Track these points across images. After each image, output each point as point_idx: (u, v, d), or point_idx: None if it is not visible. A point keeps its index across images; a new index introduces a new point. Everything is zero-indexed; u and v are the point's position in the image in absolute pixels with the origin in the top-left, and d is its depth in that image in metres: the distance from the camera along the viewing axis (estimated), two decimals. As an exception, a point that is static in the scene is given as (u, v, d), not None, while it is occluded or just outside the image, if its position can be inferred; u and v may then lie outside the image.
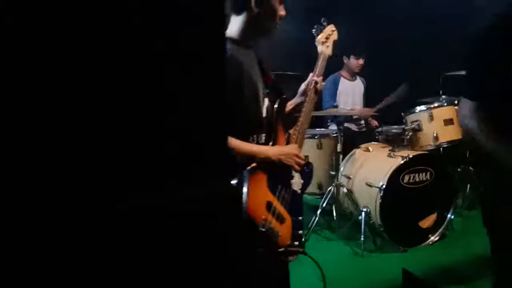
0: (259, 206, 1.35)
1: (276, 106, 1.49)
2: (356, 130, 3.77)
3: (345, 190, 3.00)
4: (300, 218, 1.51)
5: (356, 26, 4.07)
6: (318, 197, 3.28)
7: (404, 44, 4.16)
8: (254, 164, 1.36)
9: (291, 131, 1.59)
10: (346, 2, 4.12)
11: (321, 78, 1.70)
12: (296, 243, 1.48)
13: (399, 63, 4.01)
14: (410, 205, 2.78)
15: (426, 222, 2.83)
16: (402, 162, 2.73)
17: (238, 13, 1.41)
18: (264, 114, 1.47)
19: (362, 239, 2.76)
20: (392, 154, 2.87)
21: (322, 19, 1.90)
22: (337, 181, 3.03)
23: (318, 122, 3.74)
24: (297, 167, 1.47)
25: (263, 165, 1.39)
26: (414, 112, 2.99)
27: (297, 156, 1.47)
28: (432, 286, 2.07)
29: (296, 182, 1.52)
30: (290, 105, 1.70)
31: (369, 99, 3.87)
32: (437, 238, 2.84)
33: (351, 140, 3.43)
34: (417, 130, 2.94)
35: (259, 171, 1.38)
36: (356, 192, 2.96)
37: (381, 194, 2.69)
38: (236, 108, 1.33)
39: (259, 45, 1.66)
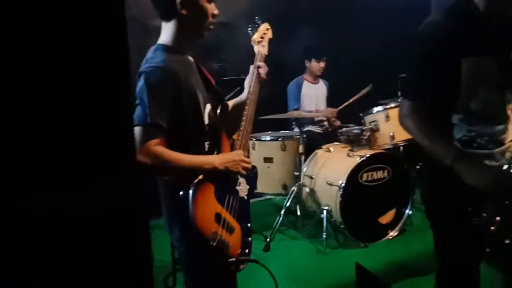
0: (208, 220, 1.34)
1: (218, 111, 1.47)
2: (320, 131, 3.87)
3: (307, 190, 3.09)
4: (249, 225, 1.51)
5: (317, 30, 4.20)
6: (284, 197, 3.36)
7: (366, 46, 4.29)
8: (200, 177, 1.34)
9: (235, 136, 1.57)
10: (307, 7, 4.22)
11: (263, 64, 1.69)
12: (246, 250, 1.47)
13: (361, 65, 4.14)
14: (369, 202, 2.89)
15: (385, 218, 2.94)
16: (360, 161, 2.83)
17: (167, 19, 1.39)
18: (207, 121, 1.44)
19: (324, 236, 2.84)
20: (351, 153, 2.98)
21: (256, 18, 1.89)
22: (300, 181, 3.11)
23: (283, 124, 3.82)
24: (244, 172, 1.46)
25: (210, 176, 1.37)
26: (371, 113, 3.10)
27: (243, 161, 1.45)
28: (385, 280, 2.15)
29: (243, 188, 1.52)
30: (232, 104, 1.68)
31: (332, 101, 3.98)
32: (396, 233, 2.95)
33: (315, 141, 3.53)
34: (375, 130, 3.06)
35: (206, 183, 1.36)
36: (318, 191, 3.05)
37: (341, 193, 2.79)
38: (175, 118, 1.31)
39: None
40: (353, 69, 4.11)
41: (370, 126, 3.06)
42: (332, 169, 3.00)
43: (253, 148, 3.34)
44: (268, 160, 3.26)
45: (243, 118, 1.59)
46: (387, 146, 3.03)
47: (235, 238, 1.43)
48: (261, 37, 1.79)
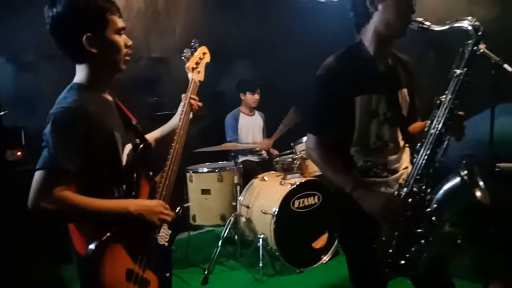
0: (119, 279, 1.28)
1: (138, 152, 1.42)
2: (258, 160, 3.99)
3: (244, 219, 3.16)
4: (168, 274, 1.47)
5: (251, 63, 4.39)
6: (223, 228, 3.41)
7: (298, 78, 4.52)
8: (108, 234, 1.27)
9: (157, 178, 1.51)
10: (241, 41, 4.40)
11: (195, 97, 1.68)
12: None
13: (295, 96, 4.35)
14: (303, 228, 3.00)
15: (319, 243, 3.07)
16: (291, 188, 2.96)
17: (79, 62, 1.35)
18: (124, 162, 1.37)
19: (260, 265, 2.91)
20: (283, 182, 3.10)
21: (193, 41, 1.83)
22: (237, 211, 3.18)
23: (222, 155, 3.90)
24: (159, 224, 1.38)
25: (122, 227, 1.30)
26: (301, 142, 3.26)
27: (161, 212, 1.38)
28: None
29: (163, 235, 1.45)
30: (151, 137, 1.66)
31: (269, 131, 4.14)
32: (329, 257, 3.08)
33: (253, 171, 3.63)
34: (305, 158, 3.22)
35: (117, 237, 1.29)
36: (255, 220, 3.13)
37: (274, 220, 2.89)
38: (86, 160, 1.25)
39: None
40: (287, 100, 4.30)
41: (301, 155, 3.22)
42: (266, 197, 3.11)
43: (191, 181, 3.39)
44: (205, 192, 3.32)
45: (169, 157, 1.53)
46: (317, 173, 3.18)
47: None
48: (197, 63, 1.76)
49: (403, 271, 1.52)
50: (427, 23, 1.46)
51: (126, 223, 1.32)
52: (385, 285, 1.62)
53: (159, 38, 4.01)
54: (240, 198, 3.28)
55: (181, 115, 1.63)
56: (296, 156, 3.25)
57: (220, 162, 3.66)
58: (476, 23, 1.40)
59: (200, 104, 1.71)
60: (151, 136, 1.69)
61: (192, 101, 1.68)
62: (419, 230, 1.46)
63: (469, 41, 1.42)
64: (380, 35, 1.54)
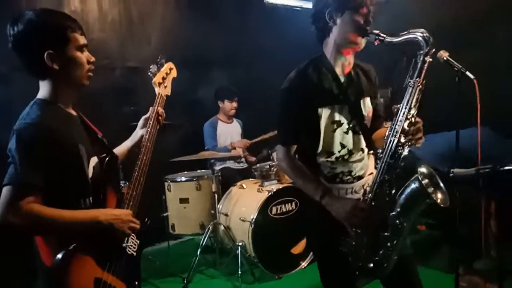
0: (86, 287, 1.32)
1: (104, 165, 1.45)
2: (237, 168, 4.01)
3: (222, 227, 3.17)
4: (137, 283, 1.50)
5: (228, 72, 4.41)
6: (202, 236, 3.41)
7: (276, 85, 4.57)
8: (75, 244, 1.30)
9: (125, 190, 1.54)
10: (218, 50, 4.42)
11: (162, 110, 1.72)
12: None
13: (272, 103, 4.39)
14: (281, 234, 3.02)
15: (297, 249, 3.09)
16: (268, 195, 2.99)
17: (42, 78, 1.38)
18: (90, 175, 1.40)
19: (239, 272, 2.91)
20: (261, 189, 3.13)
21: (159, 57, 1.87)
22: (215, 219, 3.18)
23: (201, 163, 3.90)
24: (129, 233, 1.43)
25: (90, 237, 1.33)
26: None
27: (130, 221, 1.42)
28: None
29: (131, 245, 1.49)
30: (121, 150, 1.69)
31: (247, 138, 4.16)
32: (308, 263, 3.10)
33: (232, 178, 3.65)
34: (282, 165, 3.24)
35: (84, 247, 1.32)
36: (233, 228, 3.14)
37: (252, 227, 2.90)
38: (51, 174, 1.28)
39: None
40: (265, 108, 4.34)
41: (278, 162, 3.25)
42: (244, 205, 3.12)
43: (169, 190, 3.38)
44: (184, 201, 3.31)
45: (136, 169, 1.56)
46: (294, 180, 3.21)
47: None
48: (163, 78, 1.79)
49: (372, 274, 1.56)
50: (383, 35, 1.51)
51: (95, 232, 1.34)
52: (353, 286, 1.66)
53: (134, 48, 4.01)
54: (219, 206, 3.29)
55: (148, 128, 1.67)
56: (273, 163, 3.28)
57: (198, 171, 3.67)
58: (427, 34, 1.46)
59: (163, 115, 1.74)
60: (119, 150, 1.71)
61: (159, 114, 1.71)
62: (385, 234, 1.51)
63: (421, 52, 1.47)
64: (339, 48, 1.60)
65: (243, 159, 4.09)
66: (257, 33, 4.58)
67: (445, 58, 2.41)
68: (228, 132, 4.07)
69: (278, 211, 3.05)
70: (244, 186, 3.31)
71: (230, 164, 4.00)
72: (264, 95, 4.57)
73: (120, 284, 1.42)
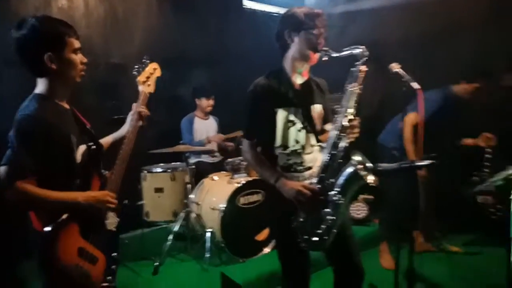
0: (71, 254, 1.54)
1: (90, 152, 1.68)
2: (211, 161, 4.27)
3: (194, 215, 3.43)
4: (115, 254, 1.72)
5: (206, 70, 4.67)
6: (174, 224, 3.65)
7: (253, 81, 4.84)
8: (65, 216, 1.52)
9: (108, 174, 1.76)
10: (197, 49, 4.66)
11: (144, 107, 1.91)
12: (109, 277, 1.68)
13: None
14: (247, 222, 3.30)
15: (261, 236, 3.37)
16: (237, 186, 3.27)
17: (40, 76, 1.60)
18: (79, 161, 1.61)
19: (207, 255, 3.19)
20: (231, 181, 3.40)
21: (144, 58, 2.06)
22: (188, 208, 3.45)
23: (177, 156, 4.13)
24: (105, 209, 1.65)
25: (75, 213, 1.55)
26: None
27: (107, 201, 1.64)
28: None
29: (111, 221, 1.72)
30: (107, 141, 1.91)
31: (224, 134, 4.42)
32: (270, 249, 3.39)
33: (206, 171, 3.90)
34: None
35: (70, 221, 1.55)
36: (204, 216, 3.41)
37: (221, 215, 3.18)
38: (44, 159, 1.49)
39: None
40: (241, 106, 4.60)
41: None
42: (215, 195, 3.39)
43: (145, 180, 3.62)
44: (158, 190, 3.56)
45: (118, 157, 1.79)
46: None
47: (99, 267, 1.64)
48: (147, 77, 1.98)
49: (316, 246, 1.87)
50: (331, 51, 1.84)
51: (78, 210, 1.58)
52: (304, 258, 1.97)
53: (118, 45, 4.21)
54: (192, 196, 3.55)
55: (131, 121, 1.90)
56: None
57: (173, 163, 3.91)
58: (364, 50, 1.80)
59: (148, 113, 1.96)
60: (105, 140, 1.95)
61: (141, 110, 1.93)
62: (327, 210, 1.82)
63: (358, 63, 1.80)
64: (296, 61, 1.93)
65: (217, 154, 4.36)
66: (236, 36, 4.85)
67: (394, 70, 2.76)
68: (204, 128, 4.32)
69: (246, 202, 3.32)
70: (216, 178, 3.58)
71: (205, 158, 4.26)
72: (240, 94, 4.75)
73: (100, 254, 1.66)
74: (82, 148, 1.66)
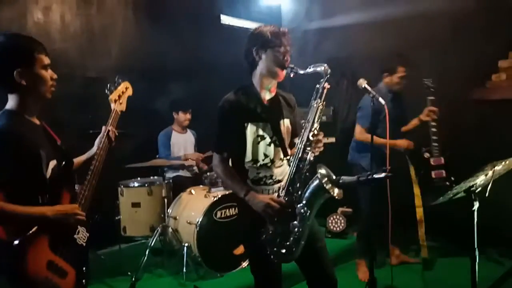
0: (40, 267, 1.54)
1: (60, 168, 1.70)
2: (189, 176, 4.29)
3: (170, 229, 3.43)
4: (84, 268, 1.73)
5: (184, 84, 4.69)
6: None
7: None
8: (34, 229, 1.53)
9: (78, 190, 1.79)
10: (174, 63, 4.70)
11: (113, 128, 1.98)
12: None
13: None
14: (224, 236, 3.32)
15: (239, 250, 3.38)
16: (214, 200, 3.29)
17: (11, 92, 1.62)
18: (48, 176, 1.63)
19: (184, 270, 3.19)
20: (207, 194, 3.43)
21: (117, 77, 2.13)
22: (164, 223, 3.45)
23: (155, 170, 4.13)
24: (74, 223, 1.67)
25: (44, 226, 1.56)
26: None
27: (76, 213, 1.65)
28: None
29: (81, 236, 1.74)
30: (80, 159, 1.95)
31: (201, 148, 4.45)
32: (247, 263, 3.40)
33: (183, 185, 3.91)
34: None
35: (39, 234, 1.55)
36: (181, 230, 3.41)
37: (197, 229, 3.19)
38: (13, 174, 1.50)
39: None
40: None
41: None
42: (191, 209, 3.40)
43: (121, 194, 3.61)
44: (135, 205, 3.56)
45: (89, 173, 1.82)
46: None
47: (68, 281, 1.65)
48: (119, 96, 2.04)
49: (285, 258, 1.91)
50: (297, 68, 1.92)
51: (48, 224, 1.59)
52: (276, 270, 2.02)
53: (95, 59, 4.22)
54: (169, 210, 3.55)
55: (102, 138, 1.95)
56: (220, 172, 3.58)
57: (151, 178, 3.91)
58: (327, 68, 1.89)
59: (116, 133, 2.01)
60: (78, 159, 1.99)
61: (110, 130, 1.97)
62: (294, 222, 1.86)
63: (321, 80, 1.88)
64: (264, 78, 1.99)
65: (195, 168, 4.37)
66: (213, 50, 4.90)
67: (363, 86, 2.87)
68: (181, 142, 4.35)
69: (223, 215, 3.35)
70: (193, 192, 3.59)
71: (183, 173, 4.28)
72: (217, 108, 4.87)
73: (70, 268, 1.67)
74: (52, 163, 1.68)
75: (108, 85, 2.09)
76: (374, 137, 3.29)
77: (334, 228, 4.23)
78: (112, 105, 2.02)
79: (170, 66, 4.66)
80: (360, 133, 3.39)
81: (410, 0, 4.31)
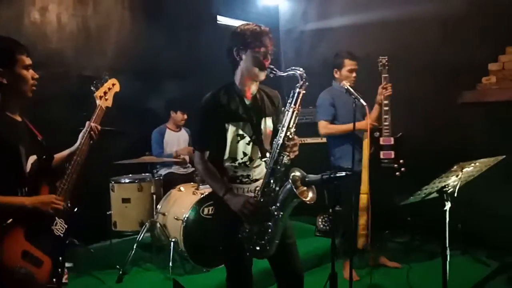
0: (15, 256, 1.62)
1: (39, 162, 1.79)
2: (182, 173, 4.35)
3: (158, 225, 3.50)
4: (61, 258, 1.80)
5: (179, 84, 4.77)
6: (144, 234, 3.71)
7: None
8: (10, 220, 1.62)
9: (58, 183, 1.87)
10: (171, 64, 4.77)
11: (97, 124, 2.05)
12: (54, 279, 1.77)
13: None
14: (210, 232, 3.37)
15: (225, 246, 3.45)
16: (201, 197, 3.36)
17: None
18: (28, 170, 1.73)
19: (170, 264, 3.25)
20: (196, 191, 3.49)
21: (104, 73, 2.19)
22: (153, 218, 3.52)
23: (147, 167, 4.20)
24: (51, 211, 1.74)
25: (21, 218, 1.64)
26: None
27: (52, 202, 1.74)
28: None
29: (59, 228, 1.82)
30: (63, 154, 2.02)
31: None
32: (233, 258, 3.47)
33: (175, 182, 3.98)
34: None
35: (15, 225, 1.64)
36: (169, 226, 3.48)
37: (184, 225, 3.26)
38: None
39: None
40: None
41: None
42: (179, 205, 3.47)
43: (112, 190, 3.69)
44: (126, 200, 3.64)
45: (69, 167, 1.90)
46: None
47: (44, 270, 1.72)
48: (105, 92, 2.11)
49: (259, 254, 1.97)
50: (276, 70, 1.96)
51: (26, 214, 1.68)
52: (248, 267, 2.09)
53: (91, 58, 4.30)
54: (158, 206, 3.62)
55: (85, 134, 2.03)
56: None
57: (143, 174, 3.98)
58: (303, 72, 1.92)
59: (99, 128, 2.08)
60: (61, 154, 2.05)
61: (93, 126, 2.05)
62: (269, 223, 1.92)
63: (297, 85, 1.92)
64: (245, 77, 2.02)
65: (188, 165, 4.44)
66: (209, 50, 4.97)
67: (346, 87, 2.92)
68: (175, 140, 4.41)
69: (210, 212, 3.41)
70: (182, 189, 3.66)
71: (175, 169, 4.35)
72: (199, 107, 4.92)
73: (46, 257, 1.74)
74: (32, 158, 1.77)
75: (94, 82, 2.16)
76: (337, 125, 3.32)
77: (324, 227, 4.28)
78: (97, 101, 2.09)
79: (166, 66, 4.74)
80: (323, 127, 3.40)
81: (404, 3, 4.36)
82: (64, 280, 2.91)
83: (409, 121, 3.94)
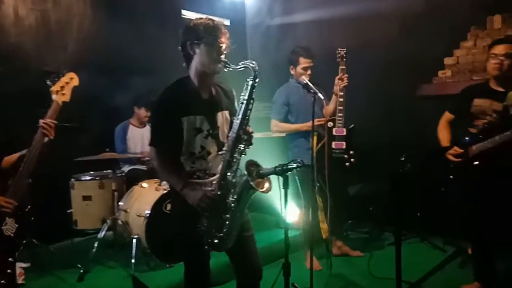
0: None
1: None
2: (145, 169, 4.31)
3: (120, 222, 3.47)
4: (10, 259, 1.78)
5: (143, 80, 4.70)
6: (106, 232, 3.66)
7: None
8: None
9: (10, 182, 1.84)
10: (135, 59, 4.70)
11: (52, 120, 2.00)
12: (3, 281, 1.74)
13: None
14: (172, 228, 3.36)
15: (189, 241, 3.45)
16: (163, 193, 3.34)
17: None
18: None
19: (133, 261, 3.23)
20: (158, 187, 3.47)
21: (61, 69, 2.15)
22: (114, 215, 3.48)
23: (109, 164, 4.11)
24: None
25: None
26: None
27: (1, 205, 1.74)
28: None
29: (9, 227, 1.79)
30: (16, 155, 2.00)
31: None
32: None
33: (138, 179, 3.92)
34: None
35: None
36: (131, 222, 3.45)
37: (146, 222, 3.24)
38: None
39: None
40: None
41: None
42: (141, 202, 3.44)
43: (73, 188, 3.62)
44: (87, 198, 3.58)
45: (22, 165, 1.86)
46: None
47: None
48: (62, 86, 2.06)
49: (218, 247, 1.99)
50: (230, 64, 1.96)
51: None
52: (206, 261, 2.11)
53: (51, 53, 4.18)
54: (121, 203, 3.58)
55: (37, 133, 1.99)
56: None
57: (104, 171, 3.91)
58: (255, 65, 1.93)
59: (52, 125, 2.04)
60: (12, 156, 2.03)
61: (48, 122, 2.01)
62: (226, 216, 1.94)
63: (250, 77, 1.93)
64: (199, 72, 2.01)
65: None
66: (173, 45, 4.91)
67: (304, 82, 2.96)
68: (138, 136, 4.36)
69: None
70: (144, 185, 3.63)
71: (139, 166, 4.30)
72: (154, 102, 4.88)
73: None
74: None
75: (51, 76, 2.11)
76: (288, 124, 3.45)
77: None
78: (53, 96, 2.04)
79: (130, 61, 4.62)
80: (274, 126, 3.52)
81: (365, 0, 4.45)
82: (20, 281, 2.86)
83: (371, 113, 4.06)
